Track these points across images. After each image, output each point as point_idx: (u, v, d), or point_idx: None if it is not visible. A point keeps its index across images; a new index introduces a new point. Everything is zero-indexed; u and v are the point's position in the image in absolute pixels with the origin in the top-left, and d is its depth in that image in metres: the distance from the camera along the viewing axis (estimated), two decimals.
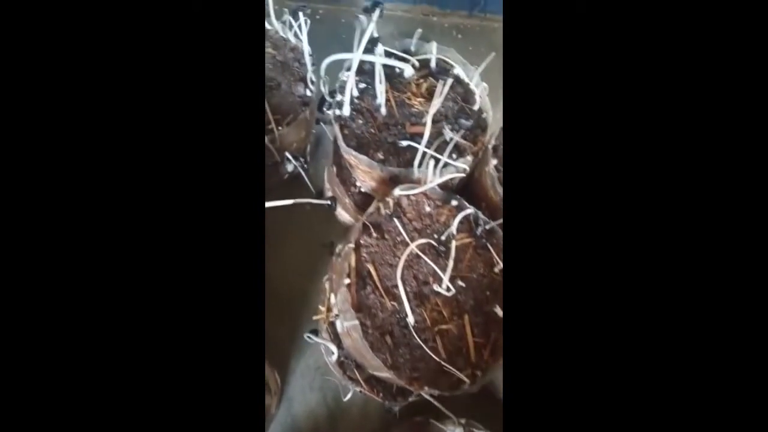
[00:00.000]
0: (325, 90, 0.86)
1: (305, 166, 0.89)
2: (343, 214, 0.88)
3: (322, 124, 0.97)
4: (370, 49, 0.67)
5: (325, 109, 0.91)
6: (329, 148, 1.04)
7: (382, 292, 0.58)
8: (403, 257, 0.59)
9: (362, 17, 0.63)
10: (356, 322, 0.53)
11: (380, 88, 0.72)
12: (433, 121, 0.65)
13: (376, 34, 0.68)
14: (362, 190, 0.79)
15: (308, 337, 0.75)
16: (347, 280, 0.56)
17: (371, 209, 0.62)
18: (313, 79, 0.82)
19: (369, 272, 0.59)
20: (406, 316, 0.57)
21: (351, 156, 0.71)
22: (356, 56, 0.68)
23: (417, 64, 0.78)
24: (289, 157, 0.81)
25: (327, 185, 0.93)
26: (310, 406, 0.82)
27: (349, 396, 0.74)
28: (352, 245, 0.58)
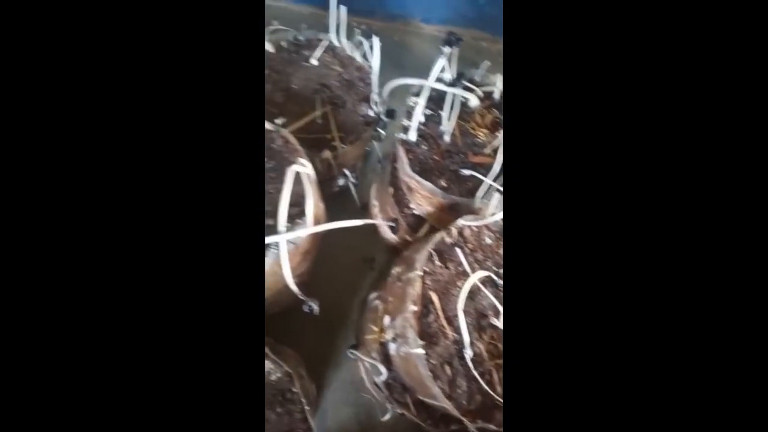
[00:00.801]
0: (381, 109, 0.87)
1: (355, 181, 0.91)
2: (389, 233, 0.89)
3: (373, 141, 0.99)
4: (453, 84, 0.69)
5: (378, 128, 0.92)
6: (375, 164, 1.05)
7: (444, 322, 0.59)
8: (466, 288, 0.60)
9: (445, 49, 0.64)
10: (422, 351, 0.54)
11: (447, 115, 0.74)
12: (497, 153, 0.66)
13: (456, 70, 0.69)
14: (416, 212, 0.80)
15: (351, 353, 0.76)
16: (414, 307, 0.56)
17: (437, 237, 0.63)
18: (377, 99, 0.83)
19: (431, 300, 0.59)
20: (464, 348, 0.57)
21: (413, 180, 0.72)
22: (428, 83, 0.70)
23: (482, 94, 0.79)
24: (346, 172, 0.82)
25: (374, 202, 0.94)
26: (343, 421, 0.82)
27: (387, 416, 0.74)
28: (419, 273, 0.58)
